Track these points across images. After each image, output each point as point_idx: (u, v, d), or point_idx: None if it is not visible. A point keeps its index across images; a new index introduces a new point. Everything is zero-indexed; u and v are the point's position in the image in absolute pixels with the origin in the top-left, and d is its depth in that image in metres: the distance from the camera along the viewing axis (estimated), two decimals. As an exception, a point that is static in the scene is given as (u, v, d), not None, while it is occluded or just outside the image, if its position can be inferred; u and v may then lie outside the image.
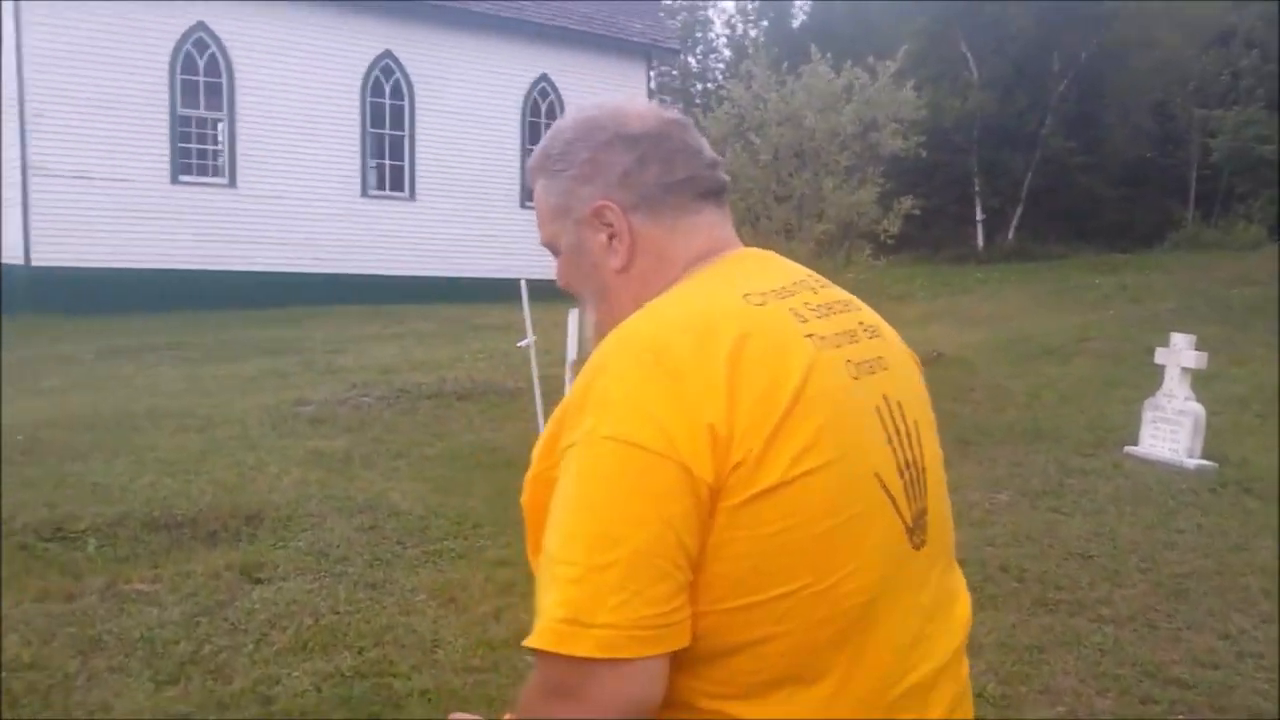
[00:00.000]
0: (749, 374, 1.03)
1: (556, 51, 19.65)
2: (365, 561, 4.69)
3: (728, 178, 1.29)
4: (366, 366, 10.39)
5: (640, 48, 20.80)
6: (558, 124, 1.27)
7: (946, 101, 24.78)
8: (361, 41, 18.01)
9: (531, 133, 19.54)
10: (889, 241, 12.51)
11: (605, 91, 19.58)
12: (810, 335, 1.12)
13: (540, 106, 19.69)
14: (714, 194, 1.25)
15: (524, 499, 1.10)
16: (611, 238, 1.21)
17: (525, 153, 19.66)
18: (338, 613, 4.05)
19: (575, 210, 1.22)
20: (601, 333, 1.22)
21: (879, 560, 1.09)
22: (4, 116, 16.48)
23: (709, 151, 1.26)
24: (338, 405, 8.32)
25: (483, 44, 18.96)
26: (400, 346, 11.82)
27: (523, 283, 6.99)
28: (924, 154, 13.59)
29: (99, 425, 7.53)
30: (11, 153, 16.13)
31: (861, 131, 12.41)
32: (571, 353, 6.83)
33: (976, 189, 28.08)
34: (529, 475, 1.09)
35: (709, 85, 34.88)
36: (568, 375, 6.68)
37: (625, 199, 1.20)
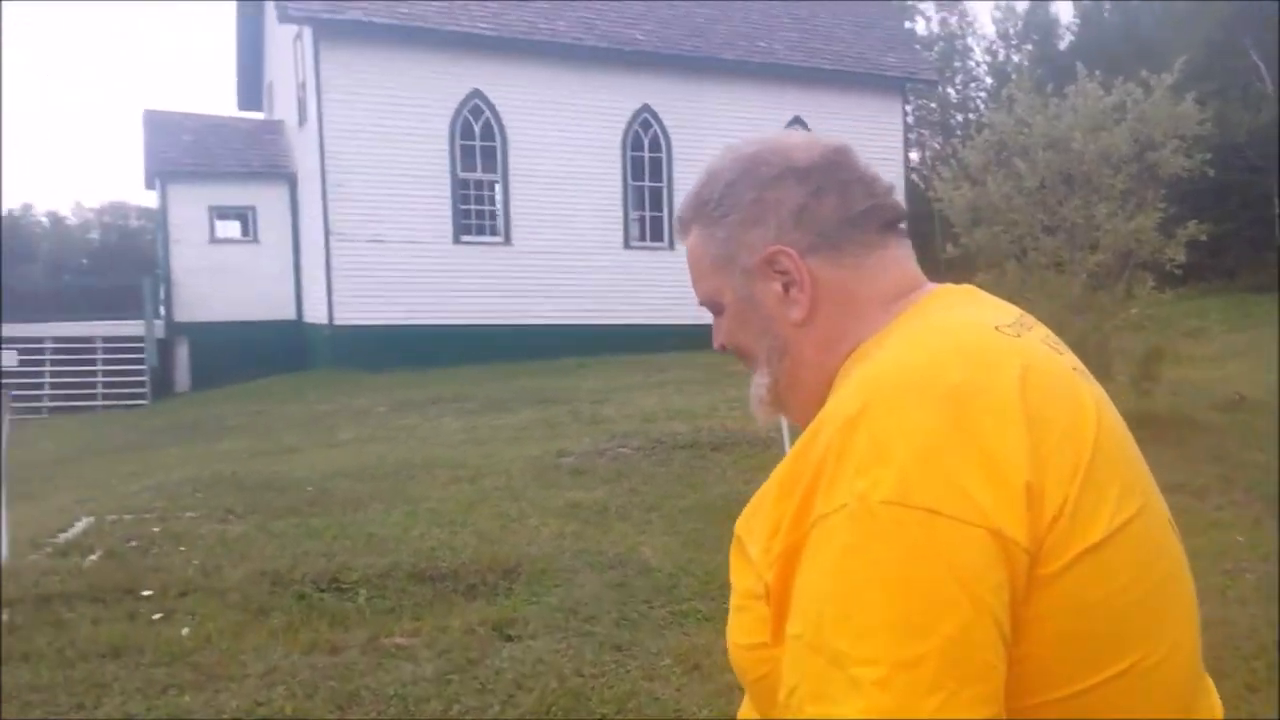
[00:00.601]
0: (1044, 411, 0.88)
1: (808, 93, 19.54)
2: (613, 621, 4.70)
3: (905, 205, 1.15)
4: (628, 416, 10.61)
5: (895, 82, 20.35)
6: (710, 167, 1.14)
7: (1236, 115, 22.54)
8: (621, 98, 18.64)
9: (787, 176, 19.54)
10: (1175, 272, 11.40)
11: (861, 130, 19.28)
12: (1074, 369, 0.99)
13: (797, 150, 19.62)
14: (897, 224, 1.10)
15: (770, 578, 0.92)
16: (788, 286, 1.07)
17: (781, 196, 19.64)
18: (583, 675, 4.06)
19: (742, 259, 1.09)
20: (779, 394, 1.11)
21: (1192, 619, 0.96)
22: (309, 187, 18.30)
23: (883, 177, 1.13)
24: (598, 456, 8.51)
25: (733, 91, 19.14)
26: (660, 396, 12.00)
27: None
28: (1211, 173, 12.34)
29: (381, 475, 8.07)
30: (315, 221, 17.85)
31: (1138, 152, 11.43)
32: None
33: (1277, 210, 25.34)
34: (778, 550, 0.91)
35: (969, 116, 33.59)
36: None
37: (801, 241, 1.06)
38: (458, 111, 17.77)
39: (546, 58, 18.08)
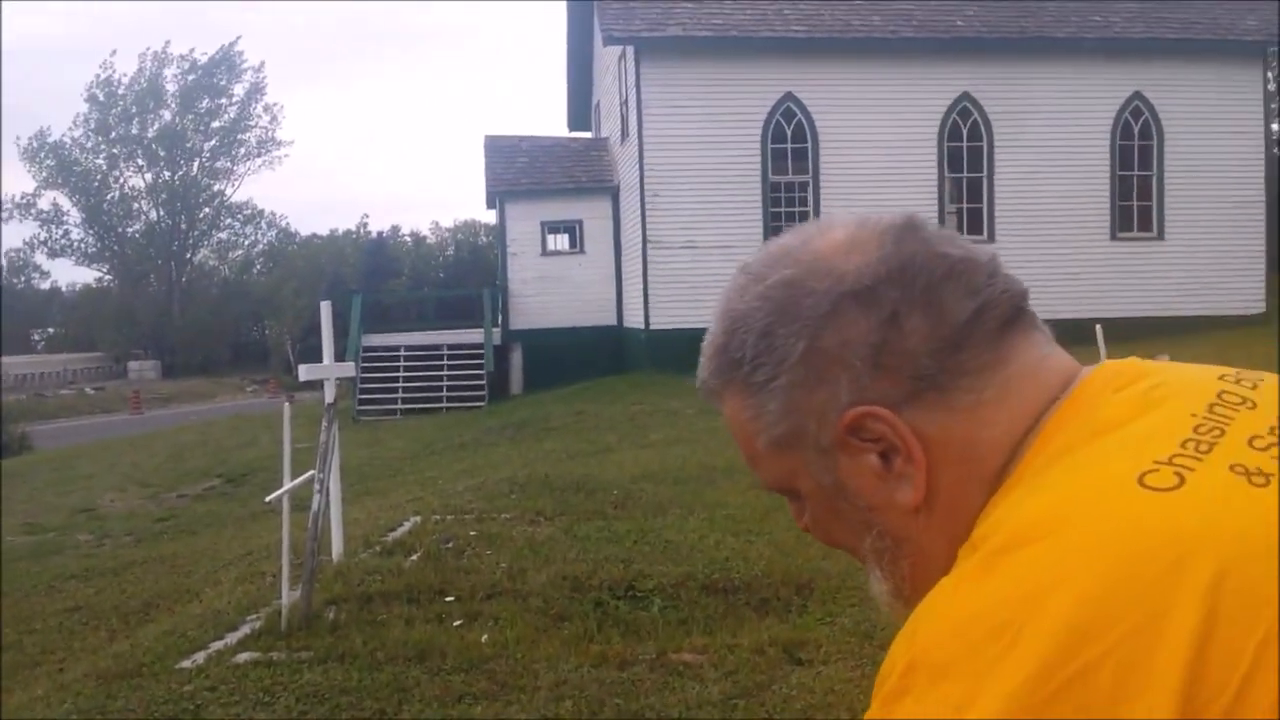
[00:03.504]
0: (1222, 655, 0.56)
1: (1149, 66, 17.92)
2: (910, 648, 4.42)
3: (1021, 281, 0.79)
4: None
5: (1255, 47, 18.13)
6: (727, 307, 0.80)
7: None
8: (938, 88, 18.00)
9: (1123, 158, 18.22)
10: None
11: (1212, 101, 17.40)
12: None
13: (1133, 128, 18.10)
14: (1018, 312, 0.77)
15: None
16: (887, 455, 0.75)
17: (1116, 181, 18.25)
18: (873, 707, 3.83)
19: (812, 433, 0.76)
20: (910, 599, 0.76)
21: None
22: (629, 199, 19.05)
23: (977, 248, 0.78)
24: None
25: (1064, 70, 17.90)
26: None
27: (1098, 328, 6.47)
28: None
29: (684, 479, 8.16)
30: (634, 230, 18.55)
31: None
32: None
33: None
34: None
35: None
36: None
37: (891, 391, 0.74)
38: (770, 115, 17.87)
39: (860, 53, 17.84)
